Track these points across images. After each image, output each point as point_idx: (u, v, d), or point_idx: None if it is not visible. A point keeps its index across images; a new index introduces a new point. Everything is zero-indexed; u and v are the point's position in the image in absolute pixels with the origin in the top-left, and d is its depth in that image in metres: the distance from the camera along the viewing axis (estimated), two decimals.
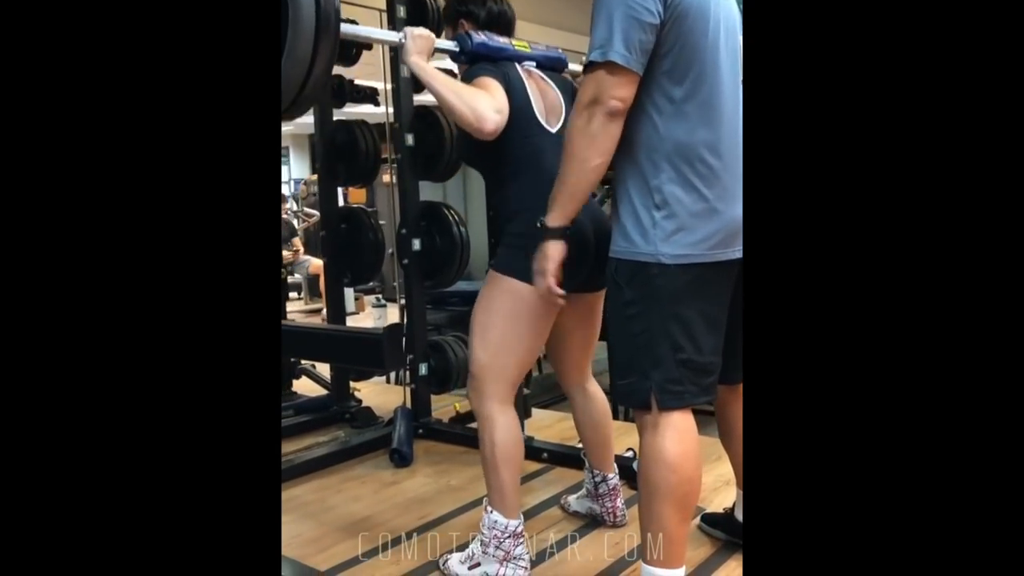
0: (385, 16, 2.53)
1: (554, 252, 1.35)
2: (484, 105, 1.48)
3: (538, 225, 1.36)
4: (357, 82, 2.91)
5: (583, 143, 1.26)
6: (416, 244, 2.49)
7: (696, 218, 1.27)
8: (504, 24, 1.77)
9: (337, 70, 2.87)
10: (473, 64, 1.65)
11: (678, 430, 1.32)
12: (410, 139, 2.49)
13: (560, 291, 1.37)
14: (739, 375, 1.48)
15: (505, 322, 1.58)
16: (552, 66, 1.79)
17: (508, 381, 1.61)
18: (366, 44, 2.81)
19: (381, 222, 3.13)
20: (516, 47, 1.71)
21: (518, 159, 1.61)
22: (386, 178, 3.48)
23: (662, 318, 1.29)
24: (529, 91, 1.64)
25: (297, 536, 1.90)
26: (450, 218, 2.55)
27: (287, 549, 1.80)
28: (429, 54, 1.62)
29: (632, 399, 1.35)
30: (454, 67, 1.86)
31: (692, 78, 1.27)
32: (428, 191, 3.93)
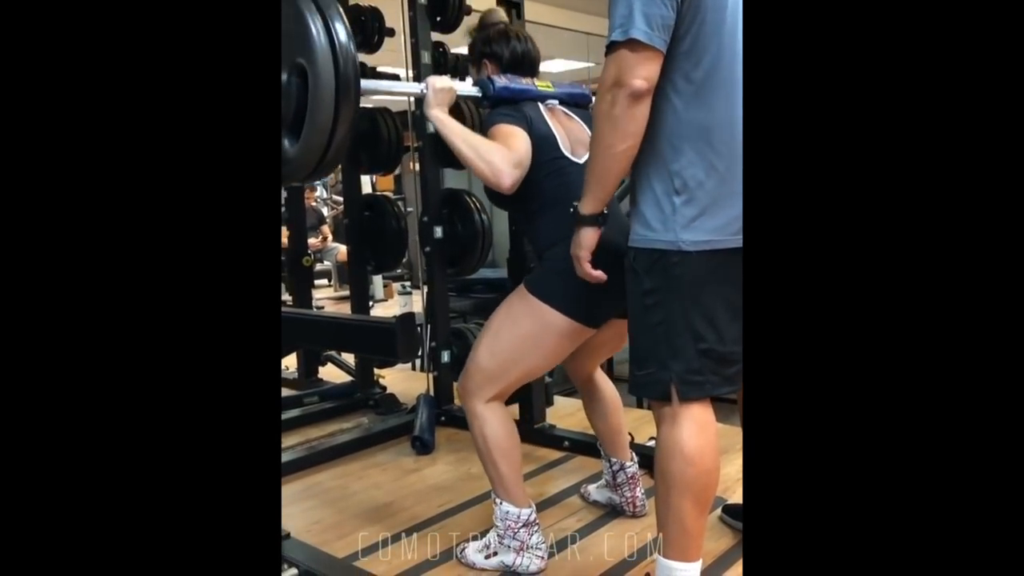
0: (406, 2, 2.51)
1: (589, 240, 1.34)
2: (500, 160, 1.47)
3: (571, 211, 1.35)
4: (379, 69, 2.90)
5: (607, 128, 1.22)
6: (438, 231, 2.48)
7: (718, 202, 1.23)
8: (528, 64, 1.75)
9: (359, 57, 2.87)
10: (495, 107, 1.64)
11: (697, 422, 1.29)
12: (432, 126, 2.47)
13: (600, 274, 1.35)
14: None
15: (521, 341, 1.56)
16: (576, 103, 1.77)
17: (500, 389, 1.60)
18: (389, 31, 2.80)
19: (409, 209, 3.13)
20: (539, 87, 1.69)
21: (546, 192, 1.59)
22: (414, 165, 3.48)
23: (682, 307, 1.26)
24: (552, 127, 1.62)
25: (317, 522, 1.91)
26: (472, 205, 2.54)
27: (307, 535, 1.82)
28: (449, 105, 1.62)
29: (651, 390, 1.31)
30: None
31: (711, 58, 1.23)
32: (454, 179, 3.92)
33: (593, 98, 1.82)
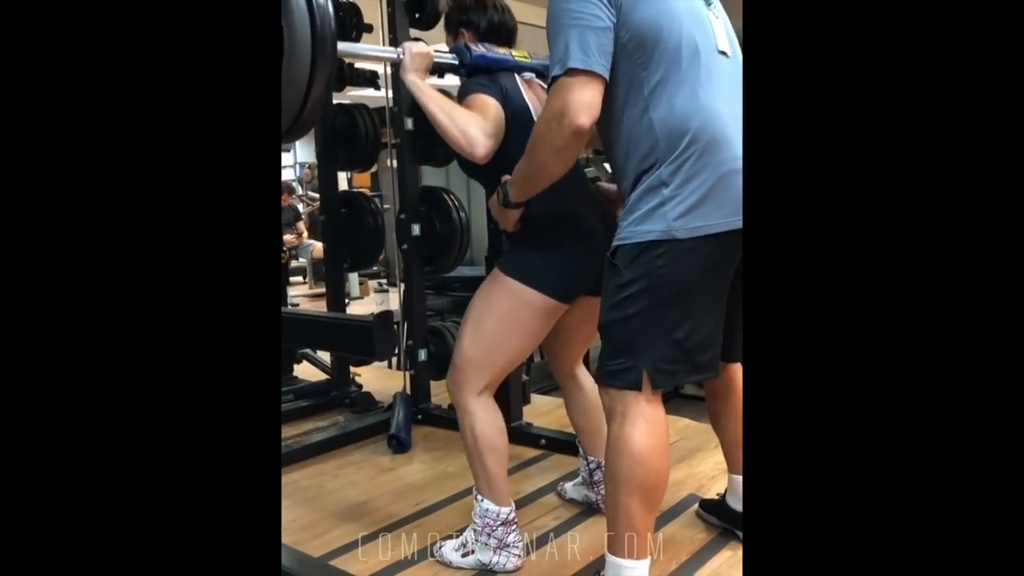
0: None
1: (513, 217, 1.53)
2: (475, 130, 1.47)
3: (501, 184, 1.49)
4: (357, 65, 2.88)
5: (547, 151, 1.31)
6: (415, 229, 2.48)
7: (706, 191, 1.24)
8: (505, 35, 1.74)
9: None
10: (471, 76, 1.63)
11: (648, 422, 1.30)
12: (410, 123, 2.47)
13: (517, 227, 1.55)
14: (728, 354, 1.47)
15: (501, 321, 1.56)
16: None
17: (490, 377, 1.60)
18: (367, 27, 2.78)
19: (386, 207, 3.11)
20: (516, 58, 1.69)
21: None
22: (392, 162, 3.46)
23: (659, 299, 1.27)
24: (528, 101, 1.62)
25: (293, 521, 1.90)
26: (450, 203, 2.53)
27: (282, 534, 1.80)
28: (427, 71, 1.60)
29: (622, 379, 1.31)
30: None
31: (668, 60, 1.26)
32: (431, 176, 3.91)
33: None
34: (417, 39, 1.62)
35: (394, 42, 2.49)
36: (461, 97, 1.58)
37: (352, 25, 2.72)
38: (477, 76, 1.61)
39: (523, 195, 1.45)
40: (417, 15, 2.51)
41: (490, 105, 1.52)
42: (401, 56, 1.59)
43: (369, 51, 1.87)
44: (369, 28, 2.77)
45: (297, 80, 1.30)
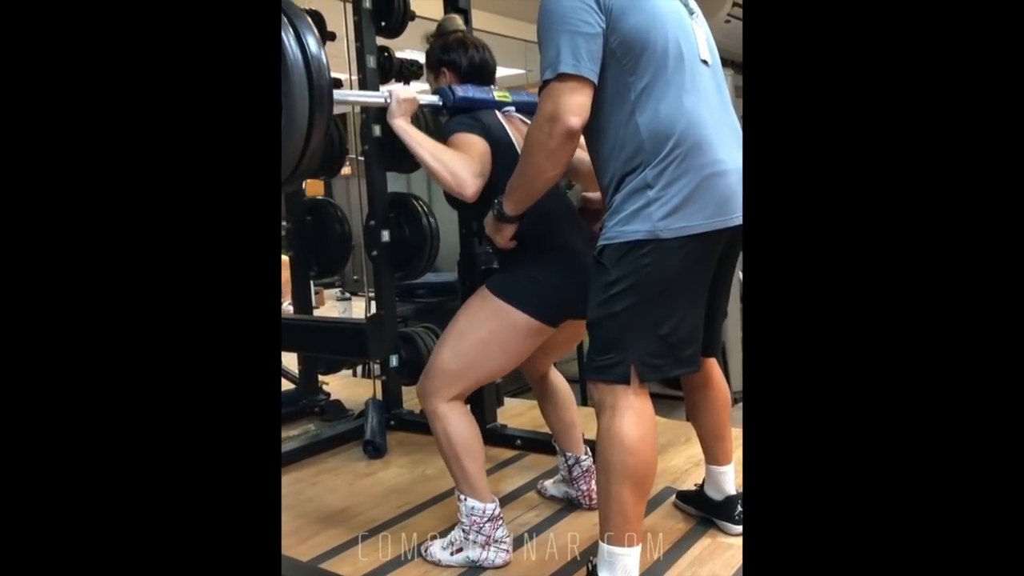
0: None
1: (509, 232, 1.54)
2: (464, 170, 1.51)
3: (495, 202, 1.51)
4: None
5: (541, 156, 1.35)
6: (385, 235, 2.48)
7: (689, 193, 1.30)
8: (486, 74, 1.79)
9: None
10: (453, 116, 1.67)
11: (637, 413, 1.35)
12: (377, 130, 2.47)
13: (512, 244, 1.57)
14: (705, 348, 1.52)
15: (484, 339, 1.59)
16: (531, 110, 1.81)
17: (463, 388, 1.63)
18: (330, 35, 2.78)
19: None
20: (497, 97, 1.74)
21: None
22: (345, 170, 3.44)
23: (646, 296, 1.32)
24: (510, 133, 1.66)
25: None
26: (419, 209, 2.54)
27: None
28: (412, 114, 1.65)
29: (611, 373, 1.36)
30: None
31: (655, 66, 1.32)
32: (393, 182, 3.89)
33: None
34: (404, 85, 1.66)
35: (361, 50, 2.50)
36: (445, 136, 1.62)
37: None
38: (460, 115, 1.66)
39: (519, 205, 1.47)
40: (383, 23, 2.52)
41: (475, 143, 1.57)
42: (388, 101, 1.63)
43: (360, 97, 1.99)
44: (332, 36, 2.77)
45: (296, 134, 1.33)
